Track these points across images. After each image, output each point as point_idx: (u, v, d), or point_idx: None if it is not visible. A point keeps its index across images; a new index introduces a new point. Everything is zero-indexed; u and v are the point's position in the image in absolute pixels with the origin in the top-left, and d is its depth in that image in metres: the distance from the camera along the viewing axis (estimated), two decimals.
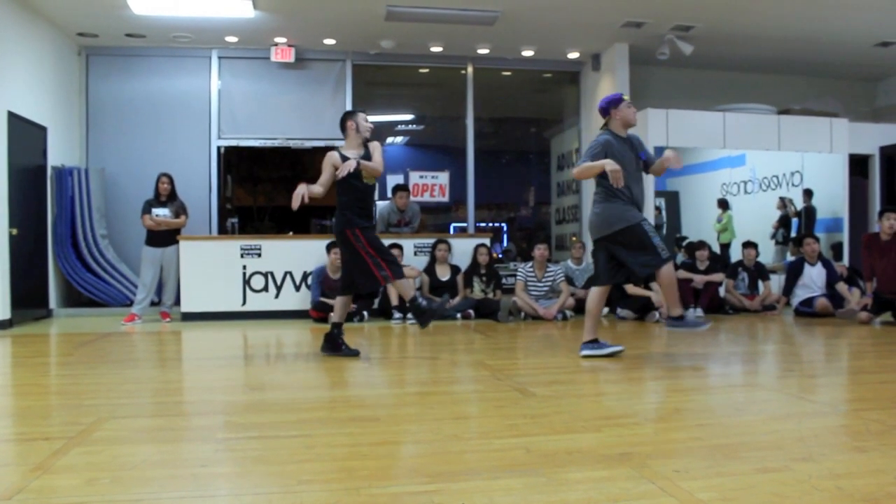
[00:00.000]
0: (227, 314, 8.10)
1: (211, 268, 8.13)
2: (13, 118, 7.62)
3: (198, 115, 9.79)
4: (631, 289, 7.90)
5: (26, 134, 7.98)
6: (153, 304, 8.19)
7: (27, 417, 3.62)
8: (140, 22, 8.51)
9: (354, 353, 5.30)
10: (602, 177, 4.90)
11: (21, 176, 7.83)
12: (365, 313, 7.96)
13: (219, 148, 9.85)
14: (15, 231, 7.61)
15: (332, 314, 5.47)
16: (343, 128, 5.37)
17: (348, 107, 10.08)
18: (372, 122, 5.42)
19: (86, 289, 8.73)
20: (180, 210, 8.12)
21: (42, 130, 8.39)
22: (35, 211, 8.27)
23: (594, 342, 5.13)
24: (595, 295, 5.14)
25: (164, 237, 8.01)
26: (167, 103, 9.73)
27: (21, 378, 4.91)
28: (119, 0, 7.80)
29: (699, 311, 8.18)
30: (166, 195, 8.06)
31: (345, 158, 5.19)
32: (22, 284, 7.78)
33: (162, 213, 7.98)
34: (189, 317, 8.05)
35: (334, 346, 5.33)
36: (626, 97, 5.19)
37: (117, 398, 3.98)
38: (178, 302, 8.16)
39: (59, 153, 8.79)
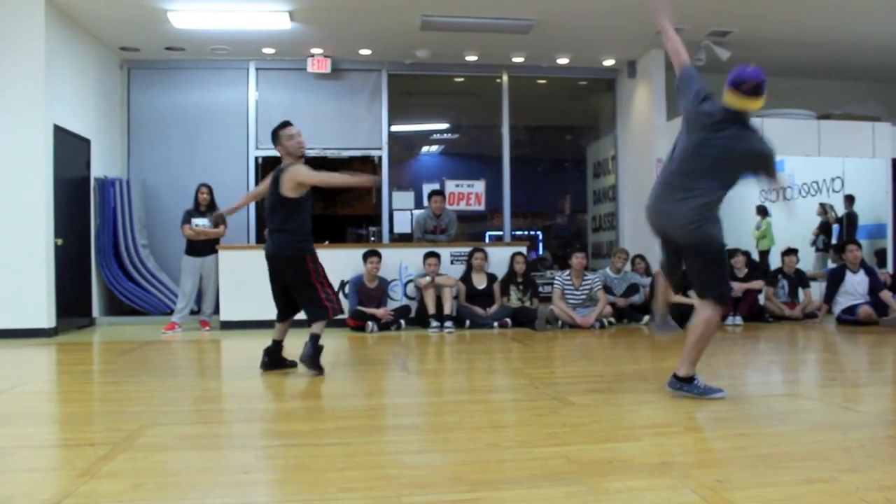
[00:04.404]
0: (266, 323, 8.12)
1: (249, 277, 8.14)
2: (59, 131, 7.80)
3: (236, 126, 9.93)
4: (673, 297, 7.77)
5: (71, 146, 8.17)
6: (193, 312, 8.31)
7: (73, 424, 3.70)
8: (180, 35, 8.68)
9: None
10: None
11: (66, 187, 8.01)
12: (402, 322, 7.98)
13: (256, 158, 9.97)
14: (60, 241, 7.79)
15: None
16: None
17: (384, 117, 10.15)
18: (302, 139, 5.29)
19: (127, 298, 8.88)
20: (219, 220, 8.23)
21: (86, 143, 8.58)
22: (79, 221, 8.46)
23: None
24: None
25: (203, 247, 8.13)
26: (206, 115, 9.89)
27: (66, 385, 5.01)
28: (160, 15, 7.97)
29: (738, 319, 8.08)
30: (206, 205, 8.18)
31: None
32: (66, 294, 7.94)
33: (201, 222, 8.09)
34: (228, 325, 8.14)
35: None
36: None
37: (159, 405, 4.05)
38: (217, 311, 8.27)
39: (101, 165, 8.98)
